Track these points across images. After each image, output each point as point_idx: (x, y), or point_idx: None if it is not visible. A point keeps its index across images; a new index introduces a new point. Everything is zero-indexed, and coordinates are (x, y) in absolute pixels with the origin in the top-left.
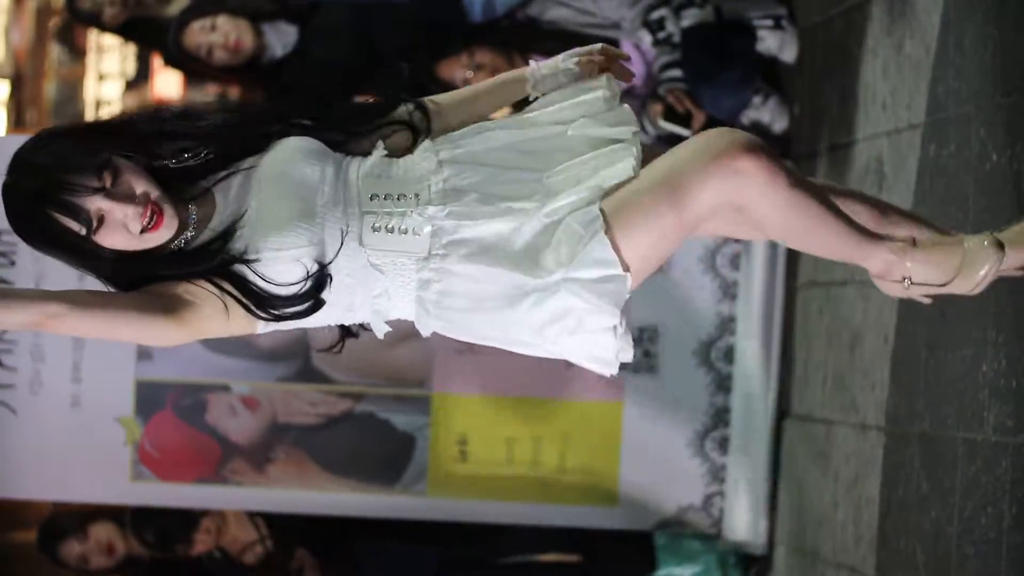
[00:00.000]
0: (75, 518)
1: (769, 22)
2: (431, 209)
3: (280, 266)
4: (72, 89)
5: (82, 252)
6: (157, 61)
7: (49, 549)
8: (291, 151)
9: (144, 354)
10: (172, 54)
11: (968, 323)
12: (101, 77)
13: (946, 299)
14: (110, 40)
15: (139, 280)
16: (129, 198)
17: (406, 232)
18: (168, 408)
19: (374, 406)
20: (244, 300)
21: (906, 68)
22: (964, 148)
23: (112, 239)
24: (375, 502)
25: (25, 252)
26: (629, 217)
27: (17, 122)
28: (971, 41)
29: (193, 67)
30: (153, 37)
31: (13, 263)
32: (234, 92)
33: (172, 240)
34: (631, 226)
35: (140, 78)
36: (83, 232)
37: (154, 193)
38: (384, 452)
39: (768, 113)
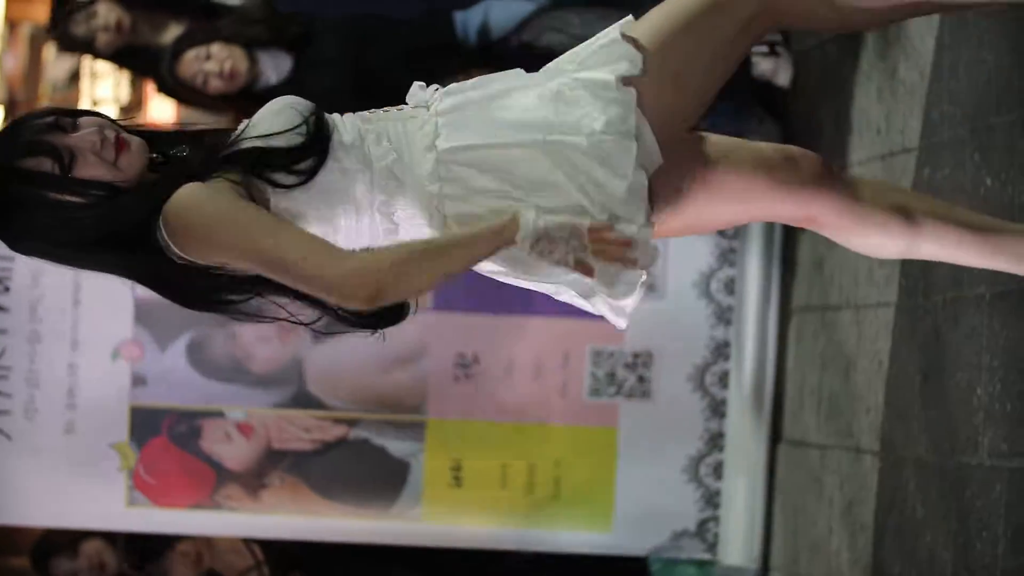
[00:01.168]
0: (67, 535)
1: (764, 48)
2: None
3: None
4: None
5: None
6: (151, 88)
7: (41, 567)
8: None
9: (139, 380)
10: (166, 82)
11: (962, 347)
12: (95, 103)
13: (940, 323)
14: (104, 67)
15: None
16: (92, 131)
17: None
18: (163, 434)
19: (368, 432)
20: (274, 164)
21: (900, 92)
22: (958, 172)
23: (86, 175)
24: (370, 528)
25: (21, 276)
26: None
27: None
28: (965, 65)
29: (187, 95)
30: (147, 65)
31: (7, 289)
32: (228, 119)
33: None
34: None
35: (134, 105)
36: (57, 170)
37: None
38: (379, 478)
39: (762, 137)
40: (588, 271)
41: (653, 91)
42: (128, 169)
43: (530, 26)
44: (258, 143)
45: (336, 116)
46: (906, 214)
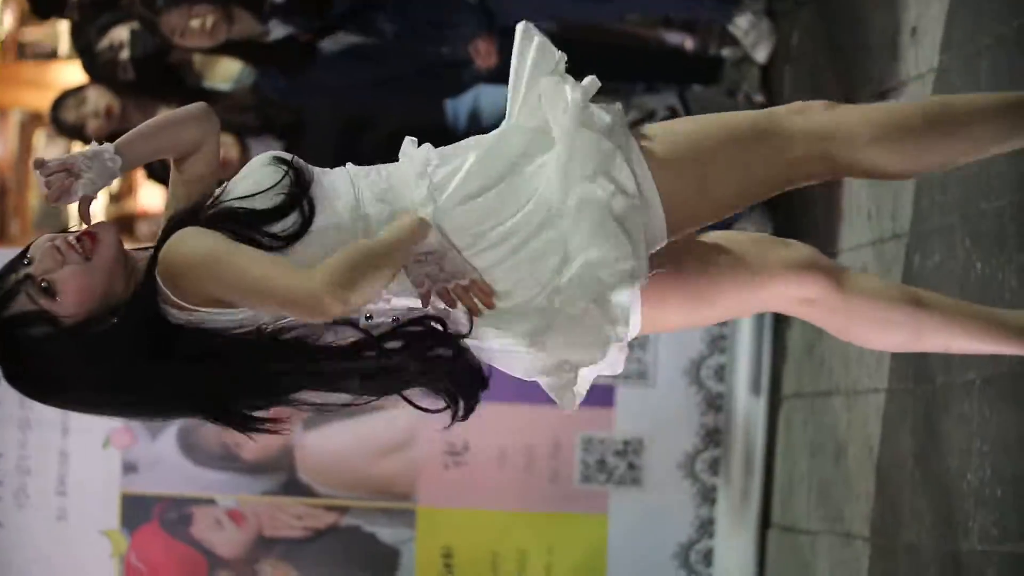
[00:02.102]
0: None
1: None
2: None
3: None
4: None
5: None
6: (140, 174)
7: None
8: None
9: (130, 467)
10: (155, 169)
11: (953, 433)
12: None
13: (931, 408)
14: None
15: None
16: (54, 247)
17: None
18: (154, 521)
19: (359, 519)
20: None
21: None
22: (949, 258)
23: (72, 289)
24: None
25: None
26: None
27: (1, 234)
28: None
29: None
30: None
31: None
32: None
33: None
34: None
35: (124, 192)
36: (46, 306)
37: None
38: (370, 565)
39: (752, 225)
40: (425, 299)
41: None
42: (103, 264)
43: None
44: (236, 205)
45: (330, 169)
46: (909, 307)
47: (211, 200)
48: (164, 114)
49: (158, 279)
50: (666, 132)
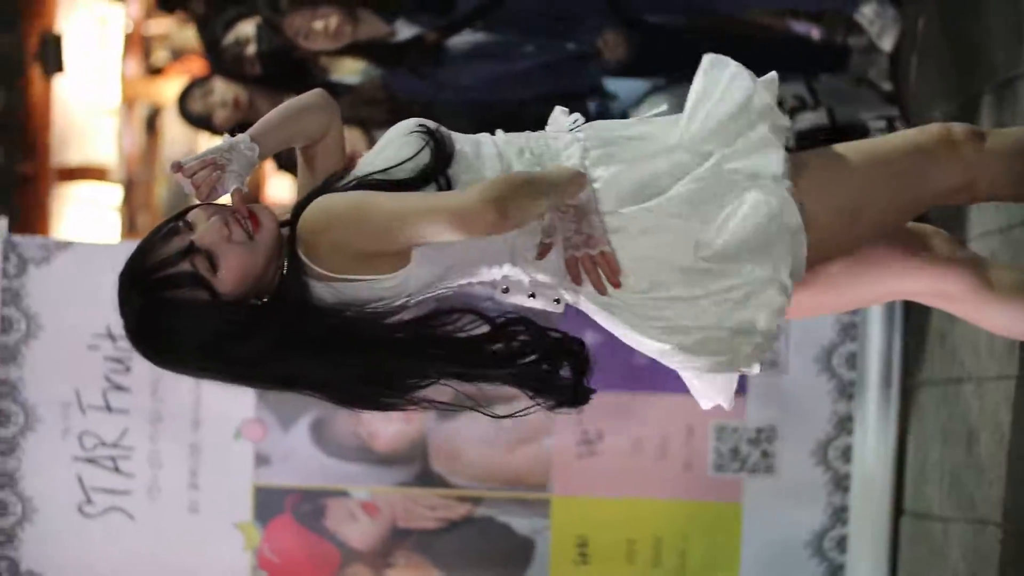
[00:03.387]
0: None
1: (882, 123)
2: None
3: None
4: (184, 193)
5: (237, 331)
6: (270, 165)
7: None
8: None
9: (262, 459)
10: (285, 159)
11: None
12: None
13: None
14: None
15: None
16: (222, 220)
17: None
18: (287, 513)
19: (493, 510)
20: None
21: None
22: None
23: (234, 266)
24: None
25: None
26: None
27: (130, 227)
28: None
29: None
30: None
31: (128, 369)
32: None
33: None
34: None
35: (252, 182)
36: (206, 287)
37: (232, 207)
38: (505, 556)
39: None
40: (545, 250)
41: (826, 236)
42: (265, 243)
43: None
44: (379, 176)
45: (476, 136)
46: None
47: (344, 174)
48: (287, 103)
49: (300, 253)
50: (822, 184)
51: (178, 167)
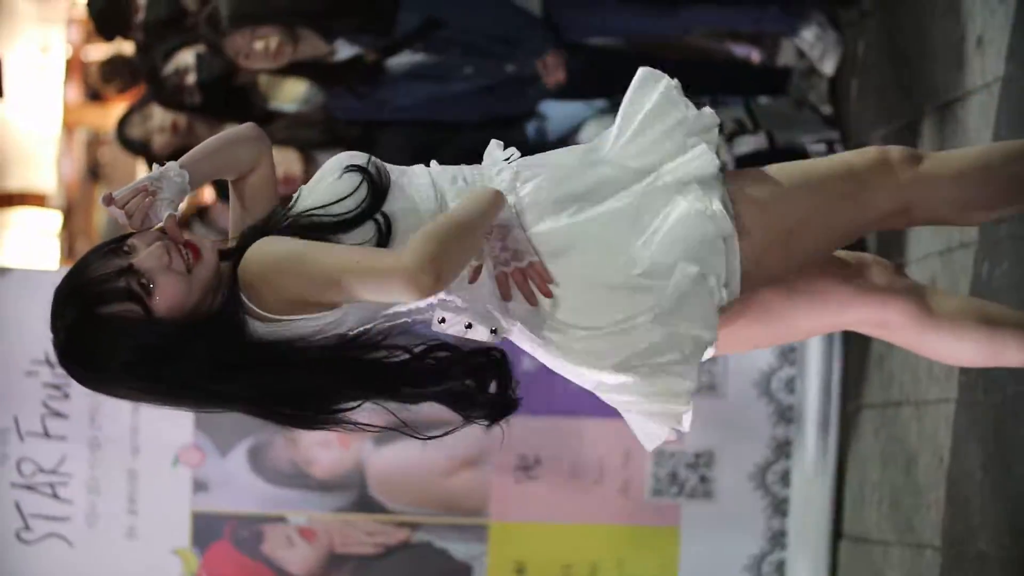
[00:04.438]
0: None
1: (823, 146)
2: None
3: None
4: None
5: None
6: (208, 192)
7: None
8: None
9: (200, 485)
10: (222, 187)
11: (1022, 442)
12: None
13: (1001, 418)
14: None
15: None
16: (162, 247)
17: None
18: (225, 539)
19: (431, 535)
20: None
21: None
22: (1018, 266)
23: (169, 294)
24: None
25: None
26: None
27: (70, 253)
28: None
29: None
30: None
31: (67, 395)
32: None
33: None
34: None
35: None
36: (140, 305)
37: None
38: None
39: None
40: (476, 273)
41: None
42: (203, 276)
43: (584, 131)
44: (314, 215)
45: (409, 167)
46: (987, 328)
47: (284, 211)
48: (219, 134)
49: (240, 291)
50: (756, 200)
51: (109, 199)
